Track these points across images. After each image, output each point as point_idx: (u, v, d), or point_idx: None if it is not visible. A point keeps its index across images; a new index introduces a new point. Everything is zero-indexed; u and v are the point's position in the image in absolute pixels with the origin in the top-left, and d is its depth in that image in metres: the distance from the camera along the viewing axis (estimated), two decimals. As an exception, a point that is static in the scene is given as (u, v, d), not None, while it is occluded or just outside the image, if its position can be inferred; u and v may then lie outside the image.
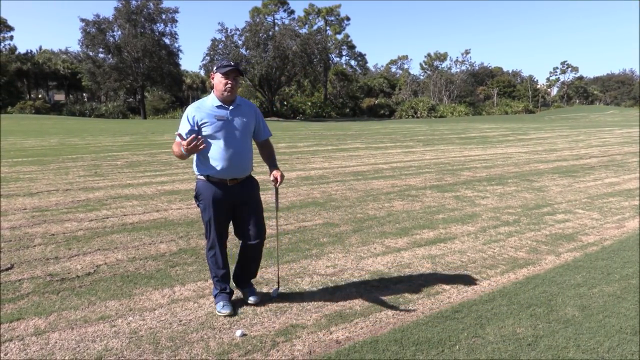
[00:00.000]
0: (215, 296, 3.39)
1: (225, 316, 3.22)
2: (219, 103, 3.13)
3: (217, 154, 3.09)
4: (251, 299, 3.42)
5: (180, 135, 2.97)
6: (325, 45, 57.54)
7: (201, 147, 2.88)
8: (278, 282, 3.63)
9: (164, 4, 57.65)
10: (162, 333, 2.98)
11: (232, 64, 3.10)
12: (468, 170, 10.29)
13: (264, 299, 3.50)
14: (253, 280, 3.63)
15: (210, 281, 3.83)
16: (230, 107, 3.14)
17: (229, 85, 3.09)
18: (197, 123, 3.08)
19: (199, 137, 2.89)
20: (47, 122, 33.16)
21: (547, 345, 2.88)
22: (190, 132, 3.01)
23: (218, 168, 3.10)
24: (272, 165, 3.37)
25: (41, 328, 3.02)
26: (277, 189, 3.46)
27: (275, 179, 3.28)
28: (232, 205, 3.23)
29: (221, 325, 3.09)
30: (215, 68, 3.16)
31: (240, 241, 3.39)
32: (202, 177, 3.18)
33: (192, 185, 8.16)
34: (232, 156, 3.10)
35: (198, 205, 3.29)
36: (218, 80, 3.11)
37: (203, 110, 3.12)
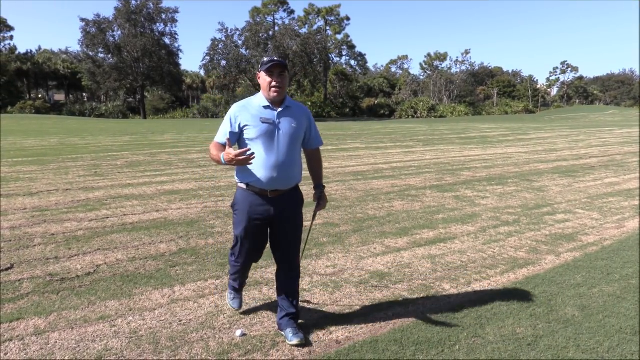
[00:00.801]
0: (229, 287, 3.30)
1: (234, 309, 3.26)
2: (267, 103, 2.77)
3: (259, 160, 2.72)
4: (293, 340, 2.83)
5: (228, 142, 2.63)
6: (325, 45, 57.59)
7: (251, 160, 2.55)
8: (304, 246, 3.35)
9: (163, 4, 57.78)
10: (162, 333, 2.98)
11: (275, 58, 2.71)
12: (468, 170, 10.29)
13: (264, 299, 3.50)
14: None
15: (211, 281, 3.84)
16: (279, 109, 2.77)
17: (275, 84, 2.71)
18: (240, 125, 2.75)
19: (250, 152, 2.55)
20: (47, 122, 33.15)
21: (547, 345, 2.88)
22: (230, 134, 2.75)
23: (259, 177, 2.74)
24: (318, 182, 3.08)
25: (41, 328, 3.02)
26: (315, 214, 3.17)
27: (318, 204, 3.06)
28: (270, 221, 2.87)
29: (221, 325, 3.09)
30: (260, 67, 2.80)
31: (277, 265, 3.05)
32: (242, 185, 2.85)
33: (191, 186, 8.16)
34: (276, 164, 2.74)
35: (234, 215, 2.96)
36: (263, 79, 2.75)
37: (248, 110, 2.77)
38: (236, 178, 2.89)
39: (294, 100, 2.93)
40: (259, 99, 2.80)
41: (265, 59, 2.74)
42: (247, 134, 2.75)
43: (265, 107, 2.76)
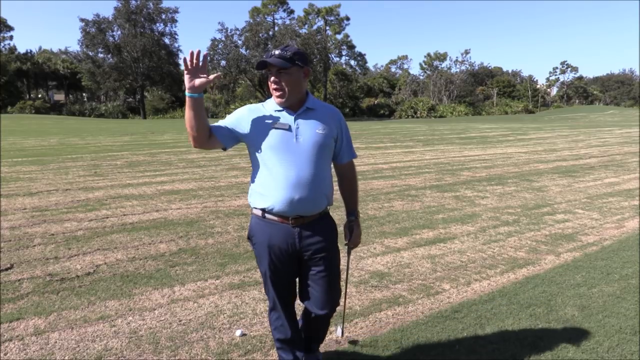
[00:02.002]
0: None
1: None
2: (281, 107, 2.18)
3: (275, 178, 2.12)
4: None
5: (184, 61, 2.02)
6: (325, 45, 57.63)
7: (212, 77, 2.03)
8: (343, 320, 2.94)
9: (163, 4, 57.76)
10: (162, 333, 2.98)
11: (273, 53, 2.11)
12: (468, 170, 10.29)
13: (263, 298, 3.50)
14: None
15: (211, 281, 3.84)
16: (297, 112, 2.16)
17: (274, 85, 2.12)
18: (245, 127, 2.17)
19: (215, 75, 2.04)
20: (47, 122, 33.14)
21: (546, 345, 2.88)
22: (224, 129, 2.18)
23: (276, 199, 2.12)
24: (352, 209, 2.42)
25: (41, 328, 3.02)
26: (350, 252, 2.49)
27: (349, 238, 2.39)
28: (297, 256, 2.25)
29: (221, 325, 3.09)
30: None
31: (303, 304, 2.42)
32: (257, 212, 2.23)
33: (191, 186, 8.15)
34: (297, 182, 2.10)
35: (253, 248, 2.36)
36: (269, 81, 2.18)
37: (259, 112, 2.19)
38: (250, 202, 2.28)
39: (320, 100, 2.36)
40: (272, 103, 2.22)
41: (265, 55, 2.17)
42: (257, 143, 2.16)
43: (279, 111, 2.17)
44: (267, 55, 2.09)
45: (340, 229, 2.42)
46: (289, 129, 2.13)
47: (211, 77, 2.02)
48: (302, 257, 2.25)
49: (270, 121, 2.15)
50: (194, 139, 2.11)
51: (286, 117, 2.16)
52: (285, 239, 2.20)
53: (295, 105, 2.17)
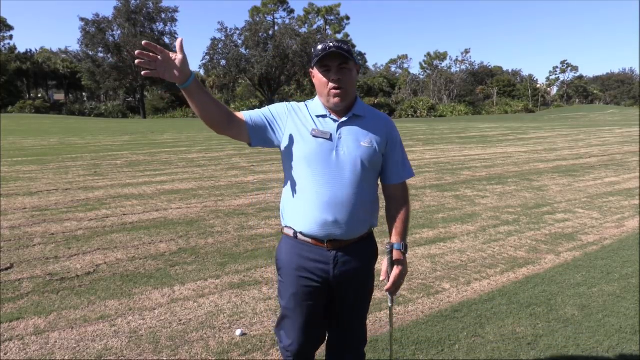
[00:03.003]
0: None
1: None
2: (324, 112, 1.86)
3: (307, 195, 1.83)
4: None
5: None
6: (325, 45, 57.51)
7: (179, 46, 1.65)
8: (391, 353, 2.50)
9: (163, 3, 57.76)
10: (162, 332, 2.98)
11: (333, 44, 1.76)
12: (468, 170, 10.29)
13: (263, 298, 3.50)
14: None
15: (211, 281, 3.84)
16: (342, 119, 1.85)
17: (334, 85, 1.78)
18: (281, 127, 1.86)
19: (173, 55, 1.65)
20: (47, 121, 33.14)
21: (546, 344, 2.88)
22: (256, 118, 1.84)
23: (310, 220, 1.83)
24: (397, 240, 1.92)
25: (41, 327, 3.02)
26: (392, 297, 1.98)
27: (390, 276, 1.90)
28: (329, 285, 1.91)
29: (221, 325, 3.09)
30: (312, 60, 1.84)
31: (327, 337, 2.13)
32: (288, 232, 1.93)
33: (191, 185, 8.15)
34: (331, 203, 1.80)
35: (279, 276, 2.01)
36: (318, 78, 1.84)
37: (300, 114, 1.88)
38: (282, 221, 1.98)
39: (371, 106, 2.01)
40: (315, 106, 1.90)
41: (319, 47, 1.79)
42: (291, 150, 1.84)
43: (321, 116, 1.86)
44: (326, 46, 1.76)
45: (378, 266, 2.04)
46: (330, 138, 1.81)
47: (177, 45, 1.65)
48: (334, 286, 1.91)
49: (310, 127, 1.83)
50: (210, 125, 1.79)
51: (328, 124, 1.84)
52: (317, 264, 1.87)
53: (342, 111, 1.86)
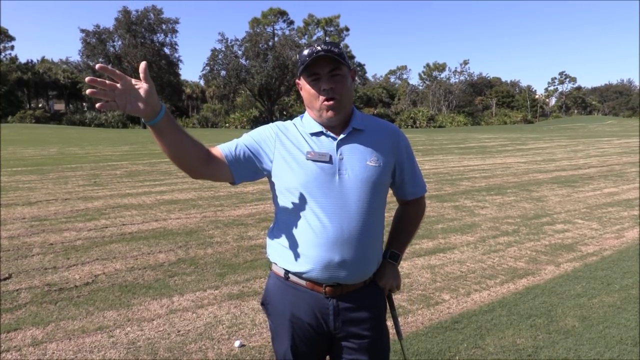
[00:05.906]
0: None
1: None
2: (318, 128, 1.54)
3: (307, 230, 1.50)
4: None
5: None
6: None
7: (142, 71, 1.26)
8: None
9: (164, 15, 58.12)
10: (161, 343, 2.96)
11: (321, 47, 1.46)
12: (467, 180, 10.31)
13: (258, 310, 3.48)
14: None
15: (210, 291, 3.82)
16: (341, 136, 1.53)
17: (327, 97, 1.48)
18: (268, 156, 1.54)
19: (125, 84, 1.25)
20: (47, 131, 33.20)
21: (547, 356, 2.86)
22: (239, 153, 1.54)
23: (308, 260, 1.51)
24: (396, 249, 1.72)
25: (39, 338, 3.00)
26: (392, 304, 1.77)
27: (382, 281, 1.66)
28: (329, 336, 1.59)
29: (220, 336, 3.07)
30: (298, 68, 1.54)
31: None
32: (278, 270, 1.62)
33: (190, 195, 8.15)
34: (338, 239, 1.48)
35: (268, 320, 1.70)
36: (307, 90, 1.52)
37: (290, 135, 1.56)
38: (269, 257, 1.66)
39: (370, 115, 1.69)
40: (305, 122, 1.58)
41: (305, 52, 1.49)
42: (284, 179, 1.53)
43: (315, 134, 1.54)
44: (312, 51, 1.46)
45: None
46: (330, 160, 1.49)
47: (141, 72, 1.27)
48: (335, 339, 1.59)
49: (304, 149, 1.52)
50: (183, 169, 1.48)
51: (325, 144, 1.52)
52: (314, 313, 1.55)
53: (338, 126, 1.54)
